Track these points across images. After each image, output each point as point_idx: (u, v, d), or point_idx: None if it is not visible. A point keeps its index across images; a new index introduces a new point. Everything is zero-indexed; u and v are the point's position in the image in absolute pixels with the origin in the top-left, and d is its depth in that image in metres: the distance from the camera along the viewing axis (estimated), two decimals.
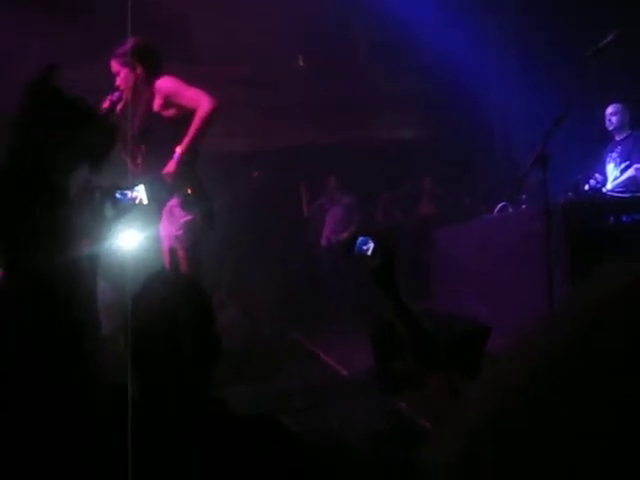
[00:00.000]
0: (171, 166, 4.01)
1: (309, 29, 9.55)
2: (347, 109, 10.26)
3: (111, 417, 1.65)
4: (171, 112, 4.13)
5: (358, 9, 9.54)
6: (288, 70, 10.19)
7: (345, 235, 8.82)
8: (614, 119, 6.23)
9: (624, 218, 5.13)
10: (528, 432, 0.52)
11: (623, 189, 5.85)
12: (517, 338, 0.61)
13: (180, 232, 4.09)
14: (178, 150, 4.02)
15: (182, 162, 4.03)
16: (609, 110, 6.28)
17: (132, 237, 3.46)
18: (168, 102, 4.13)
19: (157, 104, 4.16)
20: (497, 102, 9.89)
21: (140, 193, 2.50)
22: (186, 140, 4.02)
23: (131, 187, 2.50)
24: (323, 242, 9.15)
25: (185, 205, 4.10)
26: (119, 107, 4.14)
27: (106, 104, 4.08)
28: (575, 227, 4.95)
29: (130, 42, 4.23)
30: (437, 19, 8.66)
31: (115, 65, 4.25)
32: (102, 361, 2.08)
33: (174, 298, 1.66)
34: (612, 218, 5.12)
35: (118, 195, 2.38)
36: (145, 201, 2.52)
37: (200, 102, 4.02)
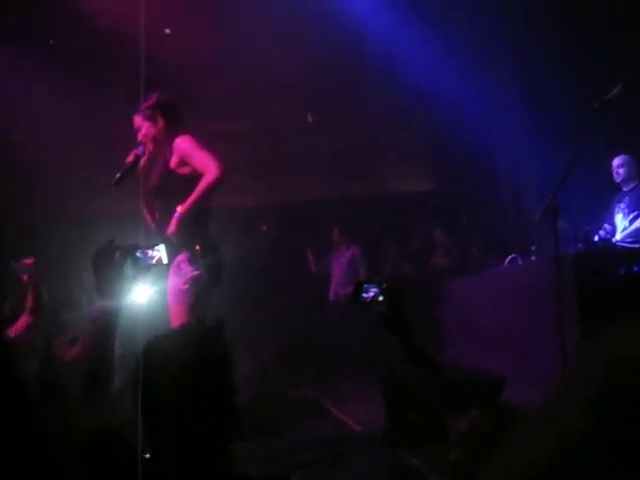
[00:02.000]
0: (172, 226, 4.06)
1: (316, 83, 9.69)
2: (355, 161, 10.38)
3: (121, 473, 1.64)
4: (185, 170, 4.20)
5: (365, 61, 9.68)
6: (295, 125, 10.32)
7: (351, 290, 8.74)
8: (621, 171, 6.29)
9: (635, 268, 5.12)
10: None
11: (632, 239, 5.85)
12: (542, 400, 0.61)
13: (186, 286, 4.09)
14: (179, 210, 4.08)
15: (185, 221, 4.07)
16: (616, 162, 6.33)
17: (142, 293, 3.47)
18: (183, 161, 4.21)
19: (174, 161, 4.23)
20: (507, 154, 9.96)
21: (160, 252, 2.53)
22: (188, 201, 4.07)
23: (152, 246, 2.52)
24: (331, 297, 9.10)
25: (193, 260, 4.11)
26: (143, 160, 4.22)
27: (130, 158, 4.16)
28: (585, 278, 4.94)
29: (154, 96, 4.34)
30: (447, 69, 8.78)
31: (138, 119, 4.33)
32: (112, 417, 2.07)
33: (199, 351, 1.67)
34: (623, 269, 5.10)
35: (139, 254, 2.41)
36: (165, 261, 2.55)
37: (207, 168, 4.09)
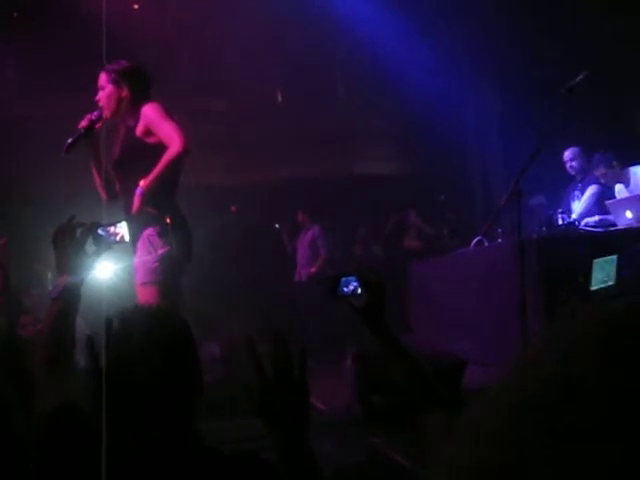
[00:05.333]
0: (136, 203, 3.87)
1: (288, 63, 9.65)
2: (326, 143, 10.37)
3: (85, 452, 1.65)
4: (152, 140, 4.00)
5: (338, 43, 9.66)
6: (267, 105, 10.28)
7: (313, 270, 8.89)
8: (574, 164, 6.59)
9: (596, 253, 5.20)
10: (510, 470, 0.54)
11: (595, 224, 5.97)
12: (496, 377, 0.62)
13: (156, 264, 3.91)
14: (141, 184, 3.88)
15: (152, 193, 3.88)
16: (567, 155, 6.62)
17: (105, 270, 3.40)
18: (148, 130, 4.01)
19: (139, 130, 4.03)
20: (476, 137, 10.04)
21: (122, 230, 2.50)
22: (150, 176, 3.87)
23: (114, 223, 2.50)
24: (296, 278, 9.21)
25: (163, 234, 3.93)
26: (97, 126, 4.02)
27: (84, 122, 3.98)
28: (548, 261, 5.01)
29: (124, 62, 4.15)
30: (418, 56, 8.79)
31: (103, 78, 4.13)
32: (77, 395, 2.06)
33: (157, 331, 1.67)
34: (584, 251, 5.18)
35: (100, 232, 2.38)
36: (127, 238, 2.52)
37: (172, 140, 3.89)
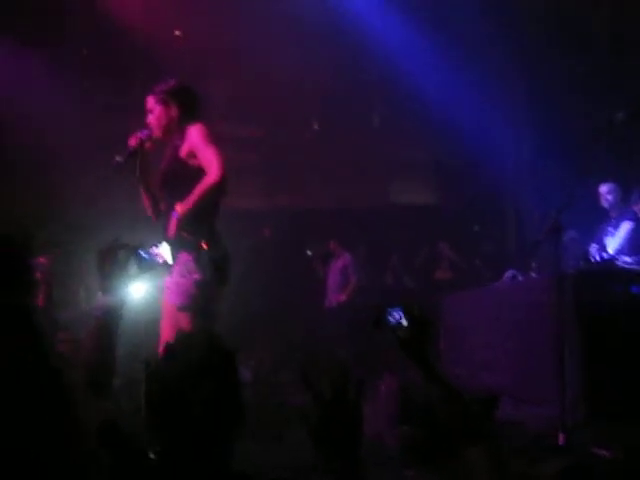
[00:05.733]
0: (171, 228, 3.84)
1: (325, 93, 9.74)
2: (362, 172, 10.43)
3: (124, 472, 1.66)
4: (195, 162, 3.94)
5: (374, 76, 9.73)
6: (304, 133, 10.36)
7: (343, 297, 8.95)
8: (610, 197, 6.56)
9: (633, 289, 5.15)
10: None
11: (633, 261, 5.91)
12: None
13: (193, 290, 3.83)
14: (177, 209, 3.85)
15: (188, 218, 3.82)
16: (604, 190, 6.58)
17: (142, 291, 3.40)
18: (192, 152, 3.95)
19: (184, 150, 3.98)
20: (511, 170, 10.00)
21: (164, 252, 2.53)
22: (186, 202, 3.83)
23: (155, 245, 2.52)
24: (326, 304, 9.25)
25: (199, 261, 3.86)
26: (147, 145, 4.00)
27: (133, 141, 3.95)
28: (585, 297, 4.95)
29: (172, 81, 4.11)
30: (454, 89, 8.83)
31: (151, 101, 4.08)
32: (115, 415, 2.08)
33: (208, 360, 1.68)
34: (621, 288, 5.13)
35: (142, 254, 2.40)
36: (169, 261, 2.54)
37: (210, 168, 3.84)
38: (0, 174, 8.42)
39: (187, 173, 3.94)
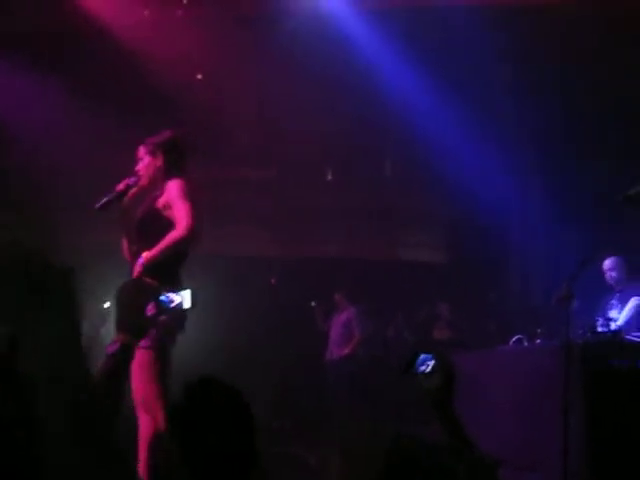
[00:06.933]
0: (135, 272, 3.96)
1: (339, 141, 9.82)
2: (370, 223, 10.48)
3: None
4: (170, 214, 4.17)
5: (386, 126, 9.81)
6: (316, 181, 10.45)
7: (347, 351, 8.90)
8: (614, 274, 6.50)
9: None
10: None
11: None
12: None
13: (152, 330, 3.91)
14: (143, 255, 4.02)
15: (151, 267, 3.95)
16: (607, 265, 6.53)
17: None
18: (168, 204, 4.18)
19: (161, 202, 4.21)
20: (520, 233, 10.02)
21: (184, 297, 2.56)
22: (153, 251, 4.00)
23: (176, 290, 2.56)
24: (327, 356, 9.17)
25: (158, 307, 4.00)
26: (132, 192, 4.25)
27: (121, 186, 4.22)
28: (593, 368, 4.93)
29: (164, 134, 4.39)
30: (467, 145, 8.90)
31: (142, 150, 4.37)
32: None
33: (225, 402, 1.69)
34: (628, 362, 5.11)
35: (162, 297, 2.45)
36: (187, 305, 2.57)
37: (180, 223, 4.05)
38: None
39: (159, 223, 4.13)
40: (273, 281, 10.02)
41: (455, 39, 8.11)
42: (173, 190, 4.16)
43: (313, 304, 9.45)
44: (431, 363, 2.00)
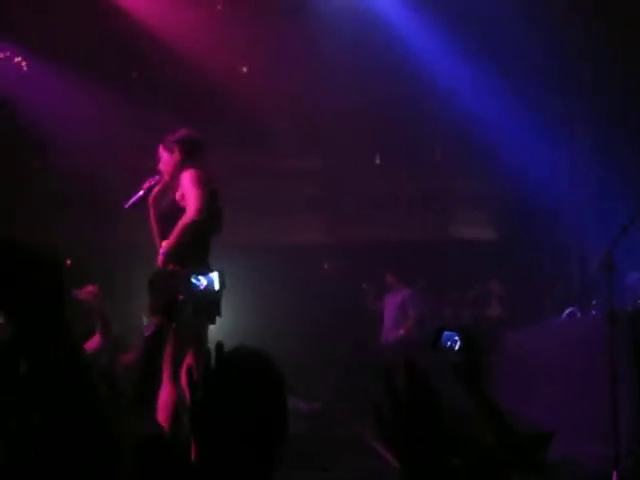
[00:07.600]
0: (159, 260, 4.24)
1: (388, 126, 9.79)
2: (421, 206, 10.46)
3: None
4: (185, 203, 4.38)
5: (435, 108, 9.76)
6: (365, 166, 10.46)
7: (402, 332, 8.82)
8: None
9: None
10: None
11: None
12: None
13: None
14: (163, 245, 4.28)
15: (174, 254, 4.18)
16: None
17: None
18: (183, 194, 4.41)
19: (178, 194, 4.44)
20: (573, 202, 9.84)
21: (213, 279, 2.67)
22: (170, 239, 4.25)
23: (206, 273, 2.67)
24: (382, 339, 9.12)
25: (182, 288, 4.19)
26: (156, 189, 4.55)
27: (145, 185, 4.54)
28: None
29: (181, 131, 4.66)
30: (514, 119, 8.80)
31: (161, 149, 4.63)
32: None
33: (256, 371, 1.68)
34: None
35: (193, 280, 2.55)
36: (216, 287, 2.68)
37: (189, 207, 4.27)
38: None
39: (179, 214, 4.34)
40: (326, 267, 10.08)
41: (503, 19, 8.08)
42: (186, 179, 4.39)
43: (364, 286, 9.44)
44: (455, 339, 2.04)
